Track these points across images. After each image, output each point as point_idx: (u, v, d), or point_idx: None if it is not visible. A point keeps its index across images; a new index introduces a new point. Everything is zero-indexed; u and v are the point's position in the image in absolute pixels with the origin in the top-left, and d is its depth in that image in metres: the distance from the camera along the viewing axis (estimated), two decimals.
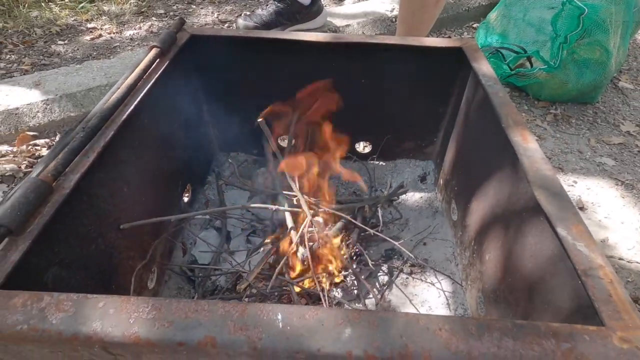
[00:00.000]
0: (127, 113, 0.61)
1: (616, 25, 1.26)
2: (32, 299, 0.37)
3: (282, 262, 0.69)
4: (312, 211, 0.74)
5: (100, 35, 1.61)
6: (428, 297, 0.77)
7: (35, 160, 1.05)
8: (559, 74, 1.26)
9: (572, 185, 1.08)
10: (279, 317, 0.35)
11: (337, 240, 0.77)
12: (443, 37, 1.75)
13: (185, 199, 0.88)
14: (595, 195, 1.05)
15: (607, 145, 1.22)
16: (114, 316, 0.35)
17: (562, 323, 0.35)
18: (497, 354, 0.32)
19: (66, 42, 1.56)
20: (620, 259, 0.91)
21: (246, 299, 0.70)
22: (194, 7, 1.84)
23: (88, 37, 1.59)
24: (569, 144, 1.22)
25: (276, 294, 0.71)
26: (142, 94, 0.65)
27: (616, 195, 1.05)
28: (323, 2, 1.58)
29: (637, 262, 0.90)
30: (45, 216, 0.46)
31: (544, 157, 0.54)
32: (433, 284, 0.78)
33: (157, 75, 0.70)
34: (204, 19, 1.73)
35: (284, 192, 0.81)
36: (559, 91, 1.31)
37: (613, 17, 1.23)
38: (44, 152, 1.08)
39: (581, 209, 1.02)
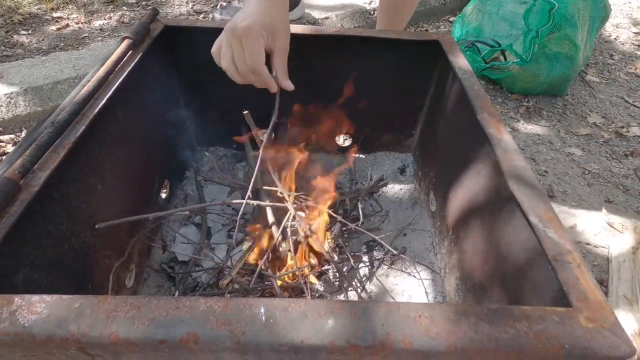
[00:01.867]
0: (99, 107, 0.59)
1: (583, 20, 1.31)
2: (1, 302, 0.35)
3: (264, 257, 0.68)
4: (294, 205, 0.74)
5: (68, 25, 1.53)
6: (408, 286, 0.79)
7: None
8: (531, 67, 1.30)
9: (544, 175, 1.12)
10: (262, 310, 0.35)
11: (319, 234, 0.77)
12: (420, 30, 1.77)
13: (163, 195, 0.86)
14: (565, 184, 1.10)
15: (575, 136, 1.28)
16: (91, 316, 0.34)
17: (534, 306, 0.36)
18: (474, 338, 0.34)
19: (30, 32, 1.48)
20: (587, 244, 0.96)
21: (228, 295, 0.69)
22: None
23: (54, 27, 1.51)
24: (541, 135, 1.26)
25: (259, 288, 0.71)
26: (114, 87, 0.63)
27: (583, 183, 1.11)
28: None
29: (603, 247, 0.95)
30: (12, 215, 0.44)
31: (517, 149, 0.56)
32: (413, 274, 0.80)
33: (130, 68, 0.68)
34: (178, 9, 1.68)
35: (265, 187, 0.80)
36: (531, 84, 1.36)
37: (581, 12, 1.28)
38: (10, 148, 1.03)
39: (551, 197, 1.06)
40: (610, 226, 1.00)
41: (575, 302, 0.36)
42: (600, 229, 0.99)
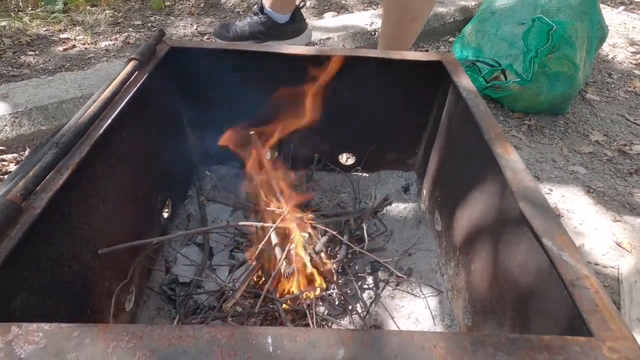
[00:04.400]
0: (104, 127, 0.59)
1: (582, 41, 1.33)
2: None
3: (270, 281, 0.67)
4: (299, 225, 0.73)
5: (74, 46, 1.56)
6: (414, 308, 0.76)
7: (2, 177, 0.99)
8: (531, 87, 1.31)
9: (548, 194, 1.11)
10: (269, 340, 0.33)
11: (323, 255, 0.76)
12: (420, 50, 1.80)
13: (165, 215, 0.85)
14: (570, 202, 1.09)
15: (578, 154, 1.27)
16: (90, 346, 0.33)
17: (551, 334, 0.35)
18: None
19: (37, 52, 1.50)
20: (596, 264, 0.94)
21: (231, 318, 0.67)
22: (172, 18, 1.82)
23: (60, 48, 1.54)
24: (543, 154, 1.26)
25: (262, 312, 0.69)
26: (119, 108, 0.63)
27: (589, 202, 1.10)
28: (305, 17, 1.59)
29: (612, 267, 0.93)
30: (13, 239, 0.43)
31: (526, 169, 0.56)
32: (418, 296, 0.78)
33: (135, 88, 0.68)
34: (183, 30, 1.71)
35: (268, 208, 0.79)
36: (532, 103, 1.37)
37: (579, 33, 1.30)
38: (12, 167, 1.02)
39: (558, 216, 1.05)
40: (619, 245, 0.98)
41: (597, 331, 0.35)
42: (608, 249, 0.97)
